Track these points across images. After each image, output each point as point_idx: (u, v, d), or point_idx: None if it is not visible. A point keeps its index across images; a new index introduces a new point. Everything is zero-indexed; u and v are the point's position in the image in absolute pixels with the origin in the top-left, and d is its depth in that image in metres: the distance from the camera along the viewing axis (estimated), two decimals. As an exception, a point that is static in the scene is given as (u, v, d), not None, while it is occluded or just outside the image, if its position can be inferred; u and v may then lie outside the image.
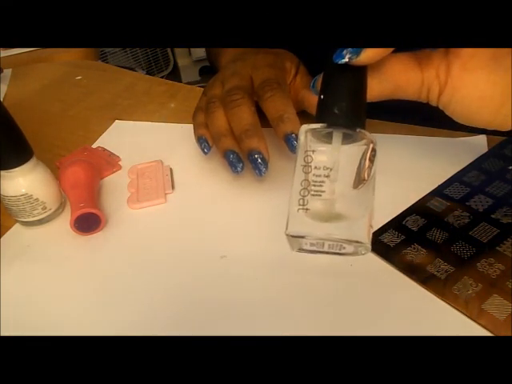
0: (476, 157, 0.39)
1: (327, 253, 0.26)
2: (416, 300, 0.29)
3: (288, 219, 0.25)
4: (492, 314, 0.27)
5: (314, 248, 0.26)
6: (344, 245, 0.25)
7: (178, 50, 2.13)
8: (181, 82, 0.63)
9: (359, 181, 0.25)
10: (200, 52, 2.05)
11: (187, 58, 2.15)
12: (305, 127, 0.26)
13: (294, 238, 0.26)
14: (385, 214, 0.35)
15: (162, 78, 0.66)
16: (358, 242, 0.25)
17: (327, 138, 0.26)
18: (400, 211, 0.35)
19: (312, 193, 0.25)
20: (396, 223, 0.34)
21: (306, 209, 0.25)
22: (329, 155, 0.26)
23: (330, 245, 0.25)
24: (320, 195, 0.25)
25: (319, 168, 0.25)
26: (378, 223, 0.34)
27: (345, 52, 0.26)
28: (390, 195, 0.35)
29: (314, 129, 0.26)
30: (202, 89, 0.59)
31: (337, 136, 0.26)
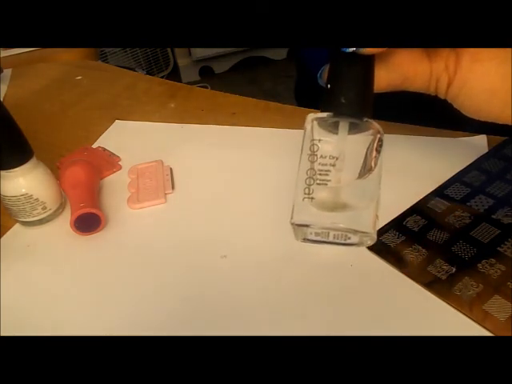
0: (476, 157, 0.39)
1: (332, 243, 0.26)
2: (416, 300, 0.29)
3: (293, 208, 0.25)
4: (493, 315, 0.27)
5: (319, 238, 0.26)
6: (349, 235, 0.25)
7: (178, 50, 2.12)
8: (181, 81, 0.63)
9: (365, 170, 0.25)
10: (200, 52, 2.05)
11: (187, 58, 2.15)
12: (311, 116, 0.26)
13: (299, 227, 0.25)
14: (385, 214, 0.35)
15: (162, 77, 0.66)
16: (363, 232, 0.24)
17: (334, 128, 0.26)
18: (401, 212, 0.35)
19: (317, 182, 0.25)
20: (397, 224, 0.34)
21: (312, 198, 0.25)
22: (335, 144, 0.25)
23: (335, 235, 0.25)
24: (326, 184, 0.25)
25: (325, 157, 0.25)
26: (379, 224, 0.34)
27: None
28: (391, 195, 0.35)
29: (321, 118, 0.26)
30: (202, 89, 0.59)
31: (343, 125, 0.25)
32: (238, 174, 0.42)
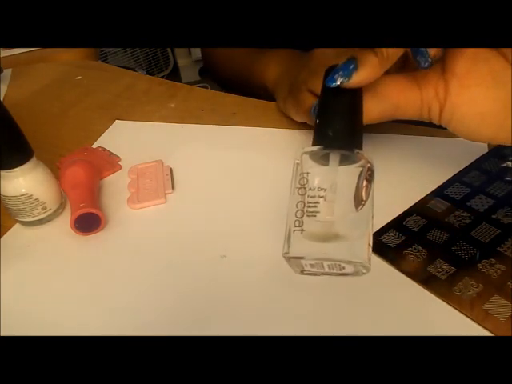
0: (476, 157, 0.39)
1: (329, 274, 0.26)
2: (417, 300, 0.29)
3: (284, 241, 0.25)
4: (493, 315, 0.27)
5: (315, 270, 0.26)
6: (343, 265, 0.25)
7: (178, 50, 2.13)
8: (181, 81, 0.63)
9: (358, 202, 0.25)
10: (200, 52, 2.05)
11: (187, 58, 2.15)
12: (301, 150, 0.27)
13: (293, 260, 0.26)
14: (385, 214, 0.35)
15: (161, 77, 0.66)
16: (356, 262, 0.25)
17: (325, 160, 0.26)
18: (400, 211, 0.35)
19: (307, 214, 0.25)
20: (396, 223, 0.34)
21: (302, 230, 0.25)
22: (323, 176, 0.26)
23: (329, 265, 0.25)
24: (315, 216, 0.25)
25: (314, 189, 0.25)
26: (379, 224, 0.34)
27: (336, 76, 0.27)
28: (391, 195, 0.35)
29: (311, 151, 0.26)
30: (202, 89, 0.59)
31: (334, 157, 0.26)
32: (238, 174, 0.42)
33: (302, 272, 0.27)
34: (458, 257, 0.31)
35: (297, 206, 0.25)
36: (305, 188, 0.25)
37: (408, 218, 0.34)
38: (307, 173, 0.26)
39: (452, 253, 0.31)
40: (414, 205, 0.35)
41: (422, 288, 0.29)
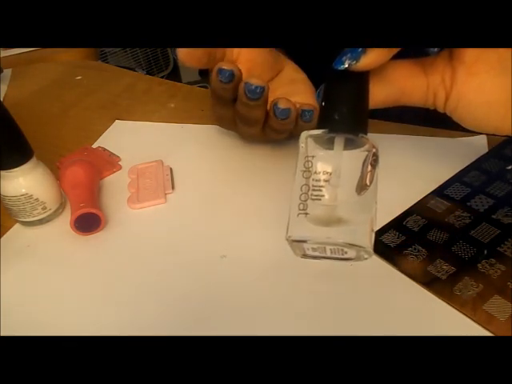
0: (476, 157, 0.39)
1: (330, 258, 0.26)
2: (416, 300, 0.29)
3: (288, 224, 0.25)
4: (493, 315, 0.27)
5: (317, 253, 0.26)
6: (346, 249, 0.25)
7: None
8: (181, 81, 0.63)
9: (361, 187, 0.25)
10: (200, 52, 2.04)
11: (187, 58, 2.14)
12: (305, 134, 0.26)
13: (295, 243, 0.26)
14: (385, 214, 0.35)
15: (162, 77, 0.66)
16: (358, 246, 0.25)
17: (329, 144, 0.26)
18: (401, 211, 0.35)
19: (312, 197, 0.25)
20: (397, 223, 0.34)
21: (306, 213, 0.25)
22: (329, 160, 0.26)
23: (331, 249, 0.25)
24: (320, 199, 0.25)
25: (319, 173, 0.25)
26: (379, 223, 0.34)
27: (344, 58, 0.27)
28: (391, 195, 0.35)
29: (316, 135, 0.26)
30: (202, 89, 0.59)
31: (339, 141, 0.26)
32: (238, 174, 0.42)
33: (304, 256, 0.27)
34: (458, 257, 0.31)
35: (301, 189, 0.25)
36: (309, 171, 0.25)
37: (408, 218, 0.34)
38: (312, 156, 0.26)
39: (452, 253, 0.31)
40: (414, 205, 0.35)
41: (421, 288, 0.29)
